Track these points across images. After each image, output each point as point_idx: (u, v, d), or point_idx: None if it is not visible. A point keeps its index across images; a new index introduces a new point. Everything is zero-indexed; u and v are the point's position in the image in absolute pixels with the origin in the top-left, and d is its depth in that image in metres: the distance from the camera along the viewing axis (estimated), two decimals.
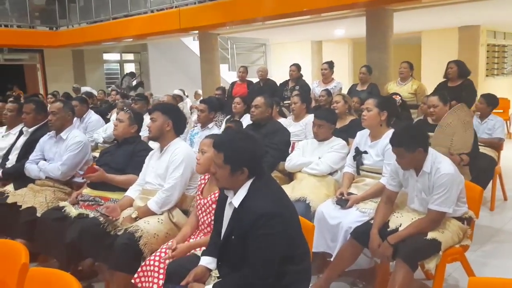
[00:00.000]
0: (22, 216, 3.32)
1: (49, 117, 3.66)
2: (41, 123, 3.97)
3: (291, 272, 2.05)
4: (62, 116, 3.64)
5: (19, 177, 3.69)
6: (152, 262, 2.49)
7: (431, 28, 11.47)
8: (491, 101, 4.95)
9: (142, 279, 2.49)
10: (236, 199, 2.05)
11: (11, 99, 7.76)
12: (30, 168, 3.64)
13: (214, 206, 2.57)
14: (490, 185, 4.69)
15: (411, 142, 2.63)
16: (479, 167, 4.09)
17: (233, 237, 2.05)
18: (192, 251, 2.48)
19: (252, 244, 1.95)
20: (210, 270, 2.20)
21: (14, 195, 3.49)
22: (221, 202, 2.23)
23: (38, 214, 3.27)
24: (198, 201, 2.68)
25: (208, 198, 2.61)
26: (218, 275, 2.17)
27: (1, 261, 2.00)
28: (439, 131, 3.46)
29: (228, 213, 2.14)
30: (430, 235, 2.60)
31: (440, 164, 2.67)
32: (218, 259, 2.18)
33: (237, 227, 2.03)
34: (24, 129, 4.02)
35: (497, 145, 4.82)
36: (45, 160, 3.69)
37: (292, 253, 2.05)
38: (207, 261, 2.21)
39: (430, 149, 2.73)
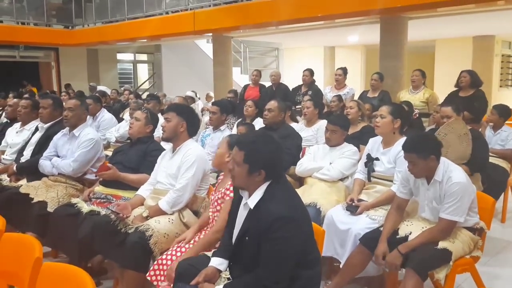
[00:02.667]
0: (34, 209, 3.36)
1: (65, 112, 3.70)
2: (57, 120, 4.02)
3: (303, 276, 2.06)
4: (78, 113, 3.69)
5: (33, 172, 3.74)
6: (165, 262, 2.51)
7: (446, 37, 11.42)
8: (503, 112, 4.91)
9: (158, 277, 2.51)
10: (251, 201, 2.07)
11: (26, 95, 7.85)
12: (44, 164, 3.69)
13: (215, 204, 2.61)
14: (501, 196, 4.65)
15: (424, 149, 2.62)
16: (491, 178, 4.07)
17: (247, 238, 2.07)
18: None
19: (266, 246, 1.96)
20: (220, 271, 2.21)
21: (28, 186, 3.54)
22: (236, 203, 2.25)
23: (49, 209, 3.31)
24: (212, 195, 2.72)
25: (215, 194, 2.65)
26: (228, 276, 2.18)
27: (15, 255, 2.03)
28: None
29: (242, 214, 2.15)
30: (441, 244, 2.59)
31: (452, 172, 2.65)
32: (230, 260, 2.19)
33: (252, 228, 2.04)
34: (40, 125, 4.08)
35: (509, 156, 4.77)
36: (58, 156, 3.73)
37: (305, 258, 2.06)
38: (218, 262, 2.22)
39: (442, 158, 2.72)
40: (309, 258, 2.09)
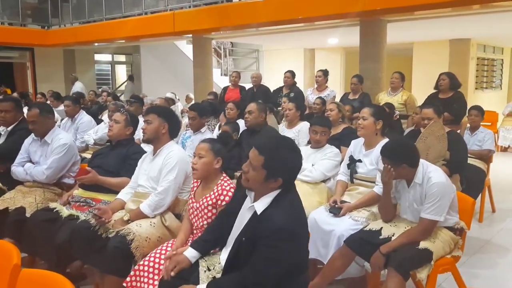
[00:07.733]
0: (10, 215, 3.25)
1: (30, 126, 3.56)
2: (19, 120, 3.92)
3: (290, 284, 2.02)
4: (42, 122, 3.55)
5: (6, 177, 3.62)
6: (143, 268, 2.46)
7: (423, 40, 11.61)
8: (483, 112, 5.05)
9: (133, 283, 2.45)
10: (259, 206, 1.99)
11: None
12: (17, 171, 3.57)
13: (206, 210, 2.56)
14: (478, 197, 4.74)
15: (397, 158, 2.69)
16: (470, 179, 4.15)
17: (243, 238, 2.02)
18: None
19: (260, 251, 1.91)
20: (191, 263, 2.24)
21: (4, 200, 3.40)
22: (237, 200, 2.19)
23: (28, 215, 3.21)
24: (191, 205, 2.67)
25: (201, 202, 2.59)
26: (214, 275, 2.16)
27: None
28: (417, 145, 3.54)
29: (244, 214, 2.10)
30: (422, 244, 2.62)
31: (431, 173, 2.70)
32: (227, 261, 2.13)
33: (251, 232, 1.99)
34: (1, 129, 3.95)
35: (486, 157, 4.88)
36: (31, 162, 3.61)
37: (296, 268, 2.02)
38: (192, 254, 2.26)
39: (421, 161, 2.76)
40: (299, 268, 2.06)
